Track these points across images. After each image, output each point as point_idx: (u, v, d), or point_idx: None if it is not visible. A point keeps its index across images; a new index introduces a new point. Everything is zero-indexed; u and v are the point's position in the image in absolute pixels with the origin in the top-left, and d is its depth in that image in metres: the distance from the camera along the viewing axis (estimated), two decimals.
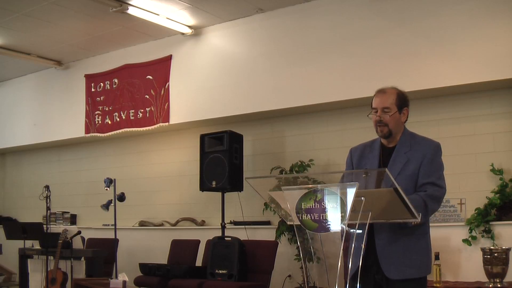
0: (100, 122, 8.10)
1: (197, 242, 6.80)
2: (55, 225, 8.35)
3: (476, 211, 5.30)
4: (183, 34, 7.24)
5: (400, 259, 2.87)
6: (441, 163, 3.03)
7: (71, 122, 8.46)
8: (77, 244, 6.54)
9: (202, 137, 6.69)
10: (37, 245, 6.93)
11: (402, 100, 3.06)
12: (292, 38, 6.49)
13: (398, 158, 3.00)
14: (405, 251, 2.88)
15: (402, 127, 3.09)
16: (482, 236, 5.21)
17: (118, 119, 7.89)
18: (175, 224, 7.63)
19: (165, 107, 7.38)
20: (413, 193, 2.91)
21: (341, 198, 2.45)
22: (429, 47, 5.54)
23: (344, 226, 2.47)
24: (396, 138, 3.07)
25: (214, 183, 6.41)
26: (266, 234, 6.48)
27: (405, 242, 2.89)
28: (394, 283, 2.87)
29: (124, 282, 5.14)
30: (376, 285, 2.93)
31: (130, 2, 6.37)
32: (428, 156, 2.98)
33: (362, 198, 2.48)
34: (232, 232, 6.44)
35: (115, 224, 6.36)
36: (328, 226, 2.48)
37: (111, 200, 6.34)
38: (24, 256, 6.92)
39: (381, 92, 3.08)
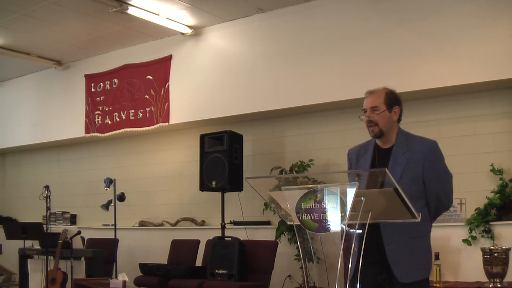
0: (100, 122, 8.10)
1: (197, 242, 6.80)
2: (55, 225, 8.35)
3: (476, 211, 5.30)
4: (183, 34, 7.24)
5: (410, 262, 2.87)
6: (442, 162, 3.01)
7: (71, 122, 8.46)
8: (77, 244, 6.54)
9: (202, 137, 6.69)
10: (37, 245, 6.93)
11: (392, 99, 3.03)
12: (292, 38, 6.49)
13: (398, 159, 2.96)
14: (414, 253, 2.88)
15: (394, 126, 3.05)
16: (482, 236, 5.21)
17: (118, 119, 7.89)
18: (175, 224, 7.63)
19: (165, 107, 7.38)
20: (418, 196, 2.91)
21: (341, 198, 2.45)
22: (429, 47, 5.54)
23: (344, 226, 2.47)
24: (391, 138, 3.04)
25: (214, 183, 6.41)
26: (266, 234, 6.48)
27: (414, 244, 2.89)
28: (399, 284, 2.86)
29: (124, 282, 5.14)
30: (379, 286, 2.92)
31: (130, 2, 6.37)
32: (430, 159, 2.95)
33: (362, 198, 2.48)
34: (232, 232, 6.44)
35: (115, 224, 6.36)
36: (328, 226, 2.47)
37: (111, 200, 6.34)
38: (24, 256, 6.92)
39: (370, 92, 3.07)
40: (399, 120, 3.07)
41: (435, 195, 2.95)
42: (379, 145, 3.08)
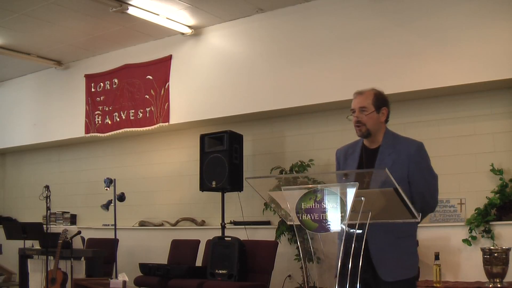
0: (100, 122, 8.10)
1: (197, 242, 6.80)
2: (55, 225, 8.35)
3: (476, 211, 5.30)
4: (183, 34, 7.24)
5: (394, 261, 2.89)
6: (428, 163, 3.03)
7: (71, 122, 8.46)
8: (77, 244, 6.54)
9: (202, 137, 6.69)
10: (37, 245, 6.93)
11: (380, 100, 3.07)
12: (292, 38, 6.49)
13: (384, 160, 2.99)
14: (398, 253, 2.91)
15: (382, 127, 3.09)
16: (482, 236, 5.21)
17: (118, 119, 7.89)
18: (175, 224, 7.63)
19: (165, 107, 7.38)
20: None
21: (341, 198, 2.45)
22: (429, 47, 5.54)
23: (344, 226, 2.47)
24: (378, 139, 3.07)
25: (214, 183, 6.41)
26: (266, 234, 6.48)
27: (398, 244, 2.91)
28: (384, 283, 2.88)
29: (124, 282, 5.14)
30: (365, 284, 2.92)
31: (130, 2, 6.37)
32: (415, 160, 2.97)
33: (362, 198, 2.48)
34: (232, 232, 6.44)
35: (115, 224, 6.36)
36: (328, 226, 2.48)
37: (111, 200, 6.34)
38: (24, 256, 6.92)
39: (358, 93, 3.11)
40: (386, 121, 3.11)
41: (420, 195, 2.97)
42: (366, 145, 3.12)
